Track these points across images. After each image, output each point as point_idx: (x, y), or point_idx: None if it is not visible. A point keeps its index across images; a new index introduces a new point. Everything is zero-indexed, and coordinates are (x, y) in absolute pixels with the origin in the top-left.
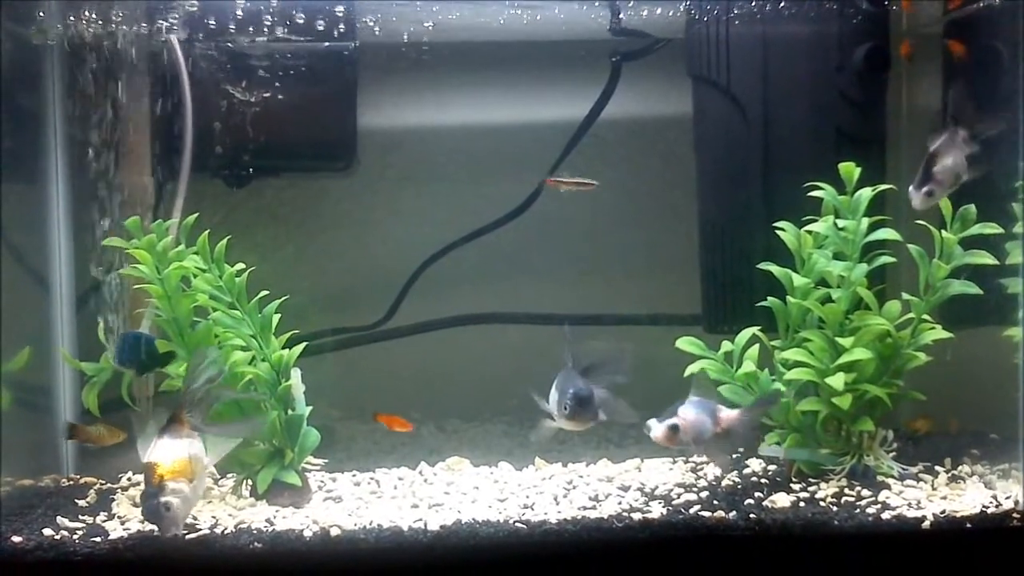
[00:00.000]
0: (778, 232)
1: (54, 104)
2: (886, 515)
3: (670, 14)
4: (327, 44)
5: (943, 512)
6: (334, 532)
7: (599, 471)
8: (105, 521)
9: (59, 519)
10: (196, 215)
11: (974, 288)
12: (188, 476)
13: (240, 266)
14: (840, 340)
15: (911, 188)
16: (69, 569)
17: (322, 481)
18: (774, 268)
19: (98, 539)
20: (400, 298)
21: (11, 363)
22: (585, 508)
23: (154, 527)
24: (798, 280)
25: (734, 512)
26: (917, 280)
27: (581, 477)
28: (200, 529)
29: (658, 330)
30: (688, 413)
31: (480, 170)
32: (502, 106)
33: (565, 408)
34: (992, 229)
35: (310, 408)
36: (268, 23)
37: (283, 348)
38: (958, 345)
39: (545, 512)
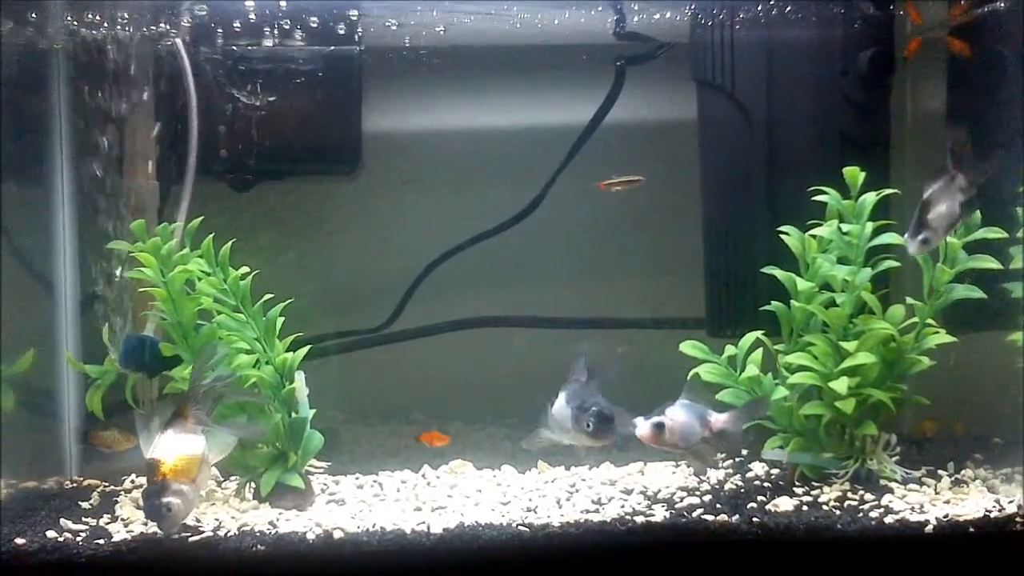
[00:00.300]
0: (782, 236)
1: (59, 107)
2: (889, 519)
3: (677, 17)
4: (332, 48)
5: (946, 516)
6: (337, 535)
7: (602, 474)
8: (108, 523)
9: (62, 521)
10: (201, 218)
11: (978, 292)
12: (190, 475)
13: (244, 269)
14: (844, 344)
15: (907, 235)
16: (72, 571)
17: (325, 484)
18: (778, 272)
19: (101, 541)
20: (404, 301)
21: (15, 365)
22: (588, 511)
23: (155, 525)
24: (802, 284)
25: (737, 516)
26: (921, 284)
27: (584, 480)
28: (203, 531)
29: (662, 334)
30: (677, 414)
31: (485, 174)
32: (506, 110)
33: (588, 426)
34: (996, 233)
35: (314, 411)
36: (273, 27)
37: (287, 351)
38: (962, 349)
39: (548, 515)
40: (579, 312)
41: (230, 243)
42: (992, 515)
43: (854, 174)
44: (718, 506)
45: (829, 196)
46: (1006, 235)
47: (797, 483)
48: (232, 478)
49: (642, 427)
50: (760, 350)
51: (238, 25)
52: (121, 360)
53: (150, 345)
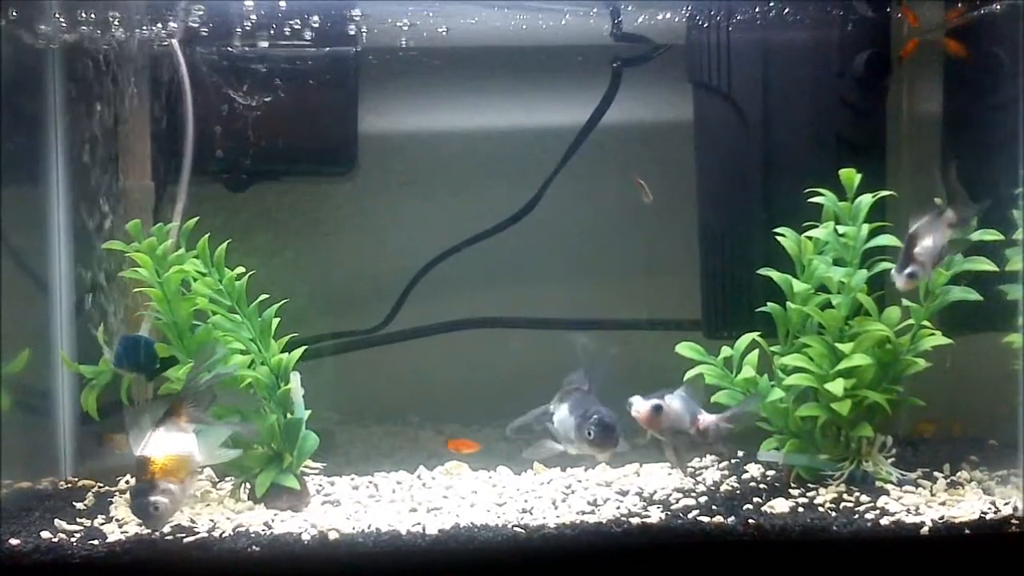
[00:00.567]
0: (778, 238)
1: (55, 107)
2: (885, 521)
3: (677, 20)
4: (328, 48)
5: (942, 518)
6: (332, 536)
7: (598, 476)
8: (103, 524)
9: (57, 522)
10: (196, 219)
11: (974, 294)
12: (179, 475)
13: (240, 270)
14: (840, 346)
15: (893, 270)
16: (67, 572)
17: (320, 485)
18: (774, 274)
19: (96, 542)
20: (400, 302)
21: (10, 365)
22: (584, 513)
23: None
24: (798, 286)
25: (732, 517)
26: (917, 286)
27: (580, 482)
28: (198, 532)
29: (658, 335)
30: (674, 402)
31: (481, 175)
32: (503, 111)
33: (589, 434)
34: (992, 235)
35: (309, 412)
36: (270, 27)
37: (282, 352)
38: (957, 351)
39: (544, 516)
40: (575, 313)
41: (226, 243)
42: (988, 517)
43: (850, 176)
44: (714, 508)
45: (825, 198)
46: (1002, 237)
47: (793, 485)
48: (227, 479)
49: (640, 405)
50: (756, 352)
51: (234, 25)
52: (116, 360)
53: (145, 345)
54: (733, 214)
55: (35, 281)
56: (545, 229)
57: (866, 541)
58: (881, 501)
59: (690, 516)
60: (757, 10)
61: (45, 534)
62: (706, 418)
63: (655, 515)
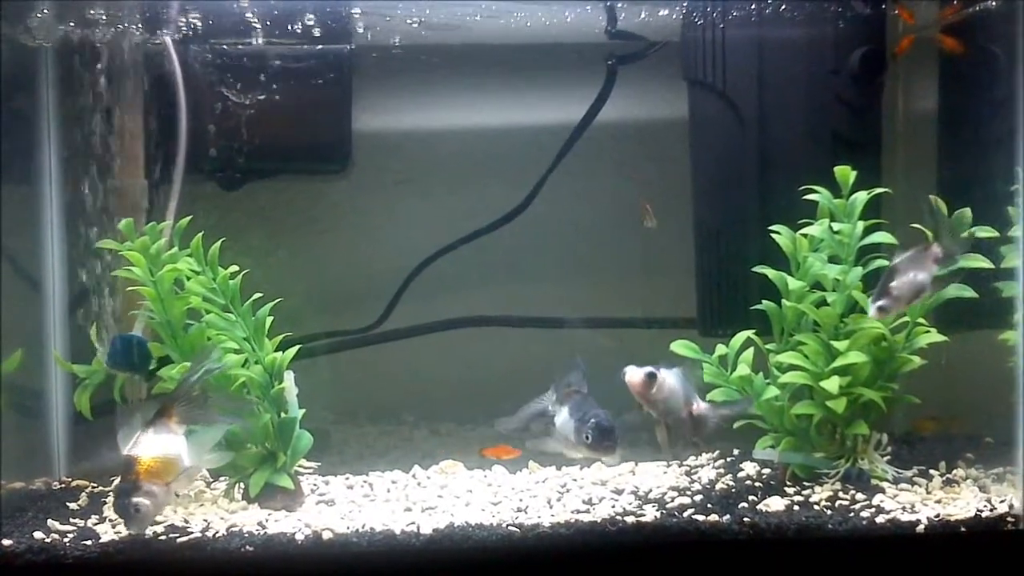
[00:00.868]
0: (773, 235)
1: (47, 106)
2: (880, 519)
3: (673, 16)
4: (322, 46)
5: (937, 516)
6: (326, 535)
7: (593, 474)
8: (96, 524)
9: (50, 522)
10: (190, 217)
11: (969, 292)
12: (164, 477)
13: (234, 269)
14: (835, 344)
15: (870, 299)
16: (59, 572)
17: (315, 484)
18: (769, 271)
19: (89, 542)
20: (395, 301)
21: (4, 365)
22: (579, 511)
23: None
24: (793, 283)
25: (728, 516)
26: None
27: (575, 480)
28: (192, 532)
29: (653, 333)
30: (669, 376)
31: (476, 173)
32: (498, 109)
33: (587, 438)
34: (987, 233)
35: (303, 411)
36: (263, 25)
37: (276, 351)
38: (953, 348)
39: (538, 515)
40: (570, 312)
41: (219, 242)
42: (983, 515)
43: (845, 173)
44: (709, 506)
45: (820, 195)
46: (997, 234)
47: (788, 483)
48: (221, 478)
49: (633, 373)
50: (751, 349)
51: (228, 23)
52: (109, 360)
53: (138, 345)
54: (728, 212)
55: (28, 281)
56: (540, 227)
57: (862, 539)
58: (877, 499)
59: (685, 515)
60: (752, 7)
61: (38, 534)
62: (701, 405)
63: (650, 514)
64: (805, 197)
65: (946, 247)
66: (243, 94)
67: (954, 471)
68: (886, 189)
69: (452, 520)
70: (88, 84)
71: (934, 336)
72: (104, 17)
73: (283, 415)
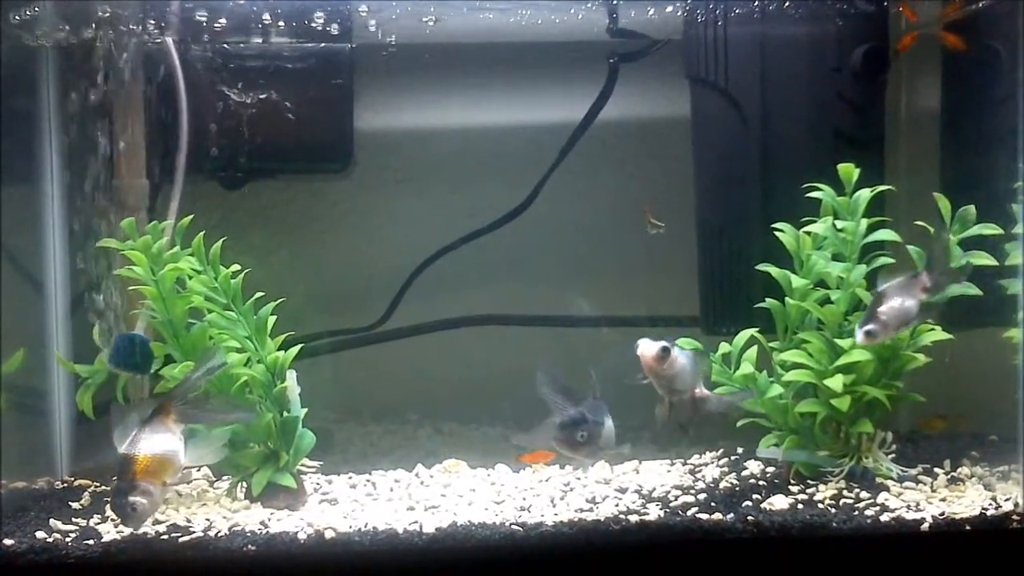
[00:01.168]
0: (776, 233)
1: (48, 105)
2: (885, 517)
3: (678, 13)
4: (323, 45)
5: (942, 514)
6: (329, 535)
7: (596, 473)
8: (99, 524)
9: (52, 521)
10: (191, 217)
11: (974, 289)
12: (161, 476)
13: (236, 268)
14: (839, 341)
15: (857, 325)
16: (61, 572)
17: (318, 483)
18: (772, 269)
19: (91, 542)
20: (397, 299)
21: (6, 365)
22: (582, 510)
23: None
24: (796, 281)
25: (731, 514)
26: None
27: (578, 479)
28: (194, 531)
29: (657, 331)
30: (681, 355)
31: (477, 172)
32: (499, 107)
33: (554, 439)
34: (991, 230)
35: (305, 410)
36: (264, 24)
37: (279, 350)
38: (958, 346)
39: (542, 514)
40: (573, 310)
41: (221, 241)
42: (988, 513)
43: (848, 170)
44: (713, 504)
45: (823, 193)
46: (1002, 231)
47: (792, 481)
48: (224, 477)
49: (647, 346)
50: (755, 348)
51: (229, 22)
52: (111, 359)
53: (141, 344)
54: (731, 210)
55: (30, 280)
56: (543, 226)
57: (866, 538)
58: (881, 497)
59: (689, 513)
60: (754, 5)
61: (40, 534)
62: (703, 390)
63: (654, 512)
64: (808, 195)
65: (936, 276)
66: (244, 93)
67: (959, 469)
68: (889, 187)
69: (455, 519)
70: (89, 84)
71: (939, 334)
72: (105, 16)
73: (286, 414)
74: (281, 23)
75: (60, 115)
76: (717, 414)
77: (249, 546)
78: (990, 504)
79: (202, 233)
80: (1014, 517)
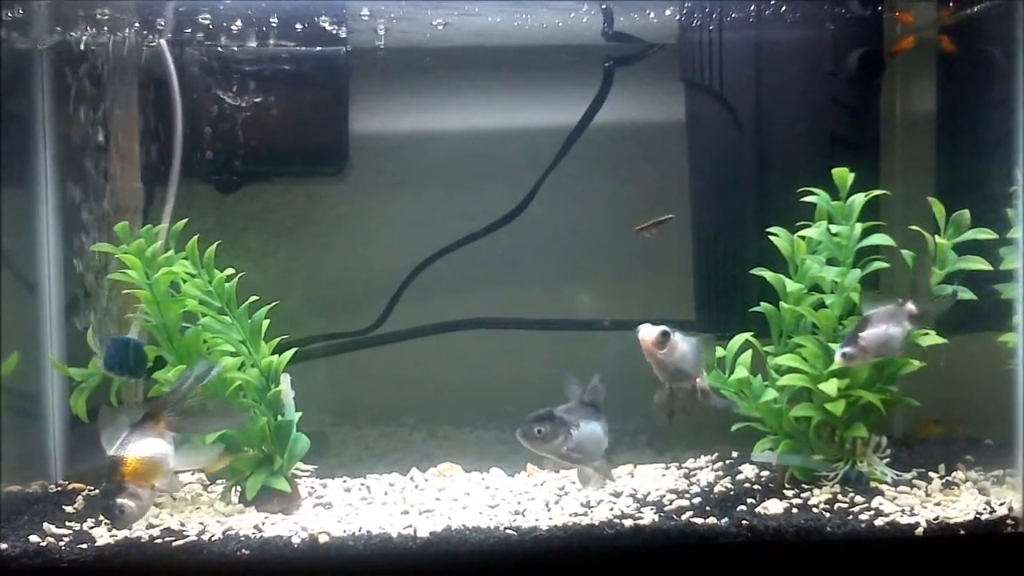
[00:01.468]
0: (771, 237)
1: (43, 108)
2: (879, 522)
3: (676, 17)
4: (319, 48)
5: (937, 519)
6: (323, 539)
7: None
8: (92, 528)
9: (46, 525)
10: (186, 220)
11: (968, 294)
12: (149, 479)
13: (230, 271)
14: (833, 346)
15: (839, 345)
16: None
17: (312, 487)
18: (767, 273)
19: (85, 546)
20: (392, 303)
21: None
22: (577, 515)
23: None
24: (791, 286)
25: (726, 518)
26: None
27: (573, 483)
28: (188, 535)
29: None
30: (682, 341)
31: (473, 175)
32: (495, 111)
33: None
34: (986, 234)
35: (300, 414)
36: (260, 27)
37: (273, 354)
38: (952, 351)
39: (536, 519)
40: (568, 314)
41: (215, 245)
42: (983, 518)
43: (843, 175)
44: (707, 509)
45: (818, 197)
46: (996, 236)
47: (787, 485)
48: (218, 481)
49: (647, 331)
50: (749, 352)
51: (224, 25)
52: (105, 363)
53: (134, 348)
54: (726, 214)
55: (24, 283)
56: (538, 229)
57: (861, 542)
58: (876, 502)
59: (684, 517)
60: (749, 9)
61: (34, 538)
62: (703, 383)
63: (648, 517)
64: (803, 199)
65: (922, 307)
66: (240, 96)
67: (953, 473)
68: (884, 191)
69: (449, 523)
70: (83, 86)
71: (933, 338)
72: (100, 19)
73: (280, 418)
74: (277, 26)
75: (55, 118)
76: (717, 408)
77: (243, 550)
78: (985, 509)
79: (196, 237)
80: (1008, 522)
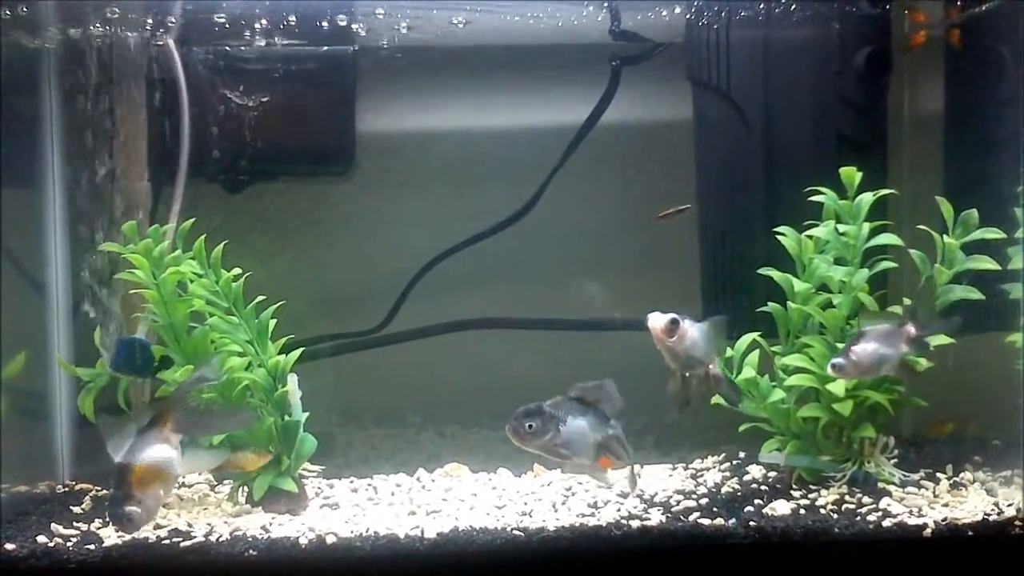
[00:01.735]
0: (779, 237)
1: (50, 108)
2: (887, 522)
3: (686, 15)
4: (325, 48)
5: (944, 519)
6: (330, 539)
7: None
8: (100, 528)
9: (53, 526)
10: (193, 220)
11: (976, 293)
12: (157, 485)
13: (237, 271)
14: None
15: (833, 356)
16: None
17: (320, 488)
18: (775, 273)
19: (92, 546)
20: (399, 303)
21: (7, 369)
22: (584, 515)
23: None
24: (799, 285)
25: (733, 519)
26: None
27: (580, 484)
28: (195, 536)
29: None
30: (692, 328)
31: (479, 174)
32: (501, 110)
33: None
34: (994, 234)
35: (307, 414)
36: (266, 27)
37: (280, 354)
38: (960, 351)
39: (543, 519)
40: (574, 313)
41: (222, 245)
42: (991, 518)
43: (851, 174)
44: (715, 509)
45: (826, 196)
46: (1004, 236)
47: (794, 486)
48: (225, 482)
49: (656, 319)
50: (757, 352)
51: (231, 25)
52: (113, 363)
53: (142, 348)
54: (733, 213)
55: (31, 283)
56: (545, 229)
57: (868, 543)
58: (883, 502)
59: (691, 518)
60: (757, 8)
61: (41, 538)
62: (716, 370)
63: (656, 517)
64: (810, 198)
65: (920, 328)
66: (246, 96)
67: (961, 474)
68: (892, 190)
69: (456, 524)
70: (91, 86)
71: (941, 338)
72: (107, 18)
73: (287, 418)
74: (284, 25)
75: (62, 117)
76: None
77: (250, 551)
78: (993, 509)
79: (203, 236)
80: (1016, 522)
